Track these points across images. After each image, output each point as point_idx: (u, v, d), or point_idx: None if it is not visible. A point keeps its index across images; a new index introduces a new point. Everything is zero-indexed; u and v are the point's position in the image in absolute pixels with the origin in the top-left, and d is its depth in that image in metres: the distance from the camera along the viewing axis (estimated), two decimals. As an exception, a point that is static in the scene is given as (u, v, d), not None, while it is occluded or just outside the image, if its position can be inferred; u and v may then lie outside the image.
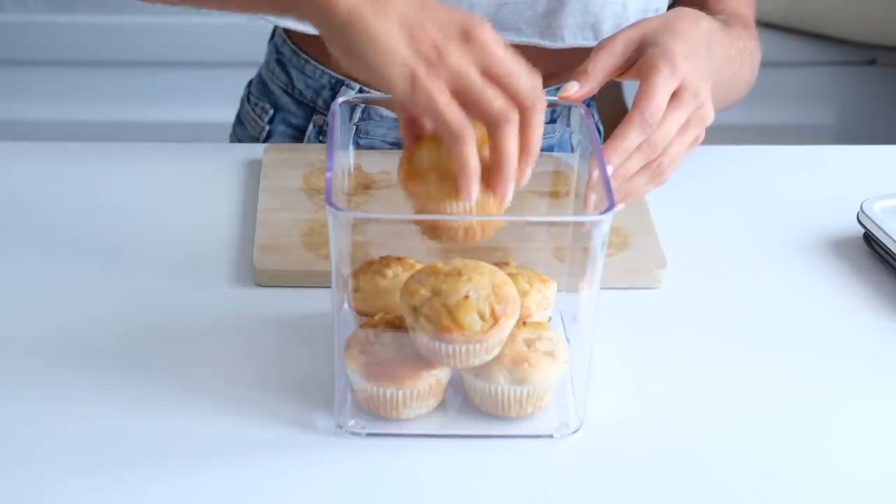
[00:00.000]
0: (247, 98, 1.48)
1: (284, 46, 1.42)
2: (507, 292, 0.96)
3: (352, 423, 0.99)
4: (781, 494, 0.96)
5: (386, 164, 1.11)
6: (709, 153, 1.36)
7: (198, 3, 1.09)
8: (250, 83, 1.49)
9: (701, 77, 1.07)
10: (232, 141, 1.51)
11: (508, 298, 0.96)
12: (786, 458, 0.99)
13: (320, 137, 1.40)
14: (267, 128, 1.43)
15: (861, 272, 1.19)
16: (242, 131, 1.47)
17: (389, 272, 1.02)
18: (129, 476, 0.95)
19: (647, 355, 1.08)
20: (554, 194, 1.11)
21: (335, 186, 0.97)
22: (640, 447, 0.99)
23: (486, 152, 0.94)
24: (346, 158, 1.08)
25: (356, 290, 1.02)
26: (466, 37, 0.93)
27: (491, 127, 0.92)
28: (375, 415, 0.99)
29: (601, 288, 0.98)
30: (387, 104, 1.09)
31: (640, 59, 1.07)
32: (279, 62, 1.42)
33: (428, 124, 0.98)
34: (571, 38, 1.31)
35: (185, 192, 1.26)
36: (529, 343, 0.99)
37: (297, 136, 1.42)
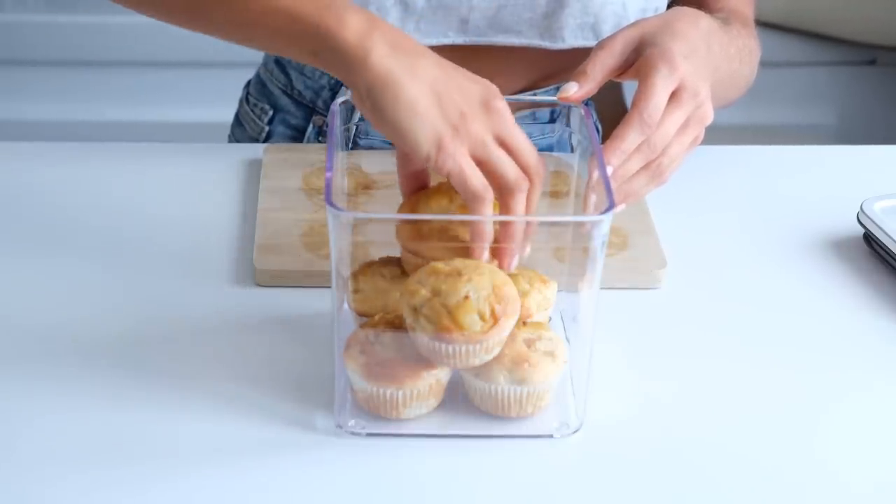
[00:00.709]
0: (245, 99, 1.48)
1: None
2: (507, 292, 0.96)
3: (352, 423, 0.99)
4: (781, 494, 0.96)
5: (386, 165, 1.11)
6: (709, 153, 1.36)
7: (224, 34, 1.11)
8: (248, 84, 1.49)
9: (700, 76, 1.07)
10: (231, 142, 1.51)
11: (508, 299, 0.96)
12: (786, 457, 0.99)
13: (320, 138, 1.40)
14: (266, 128, 1.43)
15: (861, 272, 1.19)
16: (241, 132, 1.47)
17: (387, 272, 1.03)
18: (128, 476, 0.95)
19: (647, 355, 1.08)
20: (554, 194, 1.11)
21: (335, 186, 0.97)
22: (640, 447, 0.99)
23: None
24: (346, 158, 1.08)
25: (356, 290, 1.02)
26: (487, 106, 0.98)
27: (505, 194, 0.97)
28: (375, 415, 0.99)
29: (601, 288, 0.98)
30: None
31: (639, 59, 1.07)
32: (278, 63, 1.42)
33: (429, 178, 1.03)
34: (572, 38, 1.31)
35: (185, 192, 1.26)
36: (529, 343, 0.99)
37: (297, 136, 1.42)
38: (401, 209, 1.02)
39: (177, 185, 1.27)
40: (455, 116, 0.96)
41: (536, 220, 0.98)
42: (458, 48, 1.31)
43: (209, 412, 1.00)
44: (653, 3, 1.33)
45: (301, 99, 1.40)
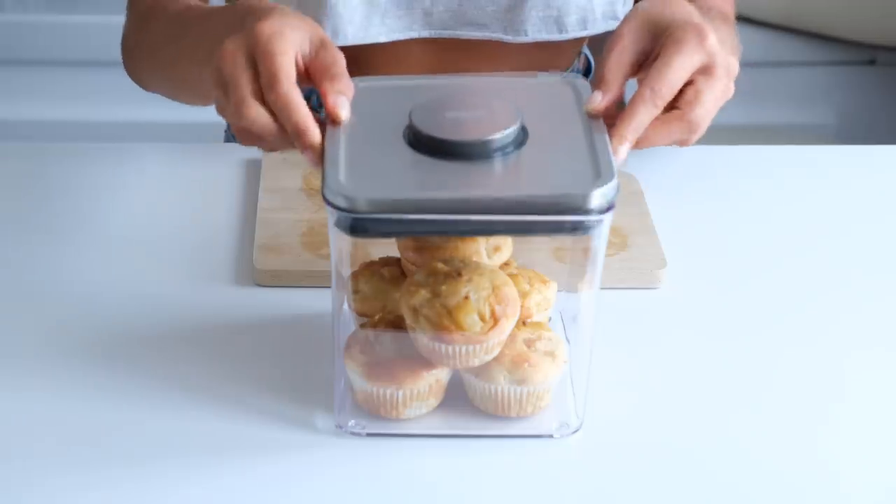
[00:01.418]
0: None
1: None
2: (507, 293, 0.96)
3: (352, 423, 0.99)
4: (781, 494, 0.96)
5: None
6: (709, 153, 1.36)
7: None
8: None
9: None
10: (226, 142, 1.51)
11: (508, 299, 0.96)
12: (786, 457, 0.99)
13: None
14: None
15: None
16: (236, 132, 1.47)
17: (387, 272, 1.03)
18: (128, 475, 0.95)
19: (647, 355, 1.08)
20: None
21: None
22: (640, 447, 0.99)
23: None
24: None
25: (356, 290, 1.02)
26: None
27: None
28: (375, 415, 0.99)
29: (601, 288, 0.98)
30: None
31: (664, 39, 1.00)
32: None
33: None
34: (534, 32, 1.31)
35: (185, 192, 1.26)
36: (529, 343, 0.99)
37: (292, 136, 1.42)
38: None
39: (177, 185, 1.27)
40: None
41: (535, 220, 0.96)
42: (424, 42, 1.31)
43: (209, 412, 1.00)
44: None
45: None
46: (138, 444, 0.98)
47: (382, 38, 1.30)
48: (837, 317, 1.14)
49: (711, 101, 0.99)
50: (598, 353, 1.00)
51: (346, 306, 1.02)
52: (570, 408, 1.01)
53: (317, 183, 1.24)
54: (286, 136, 0.95)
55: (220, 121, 1.55)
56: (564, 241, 1.03)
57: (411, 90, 1.01)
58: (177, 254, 1.18)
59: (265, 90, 0.94)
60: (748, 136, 2.45)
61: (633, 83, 1.03)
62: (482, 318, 0.95)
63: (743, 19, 2.66)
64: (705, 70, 0.99)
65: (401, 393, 0.98)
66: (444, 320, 0.94)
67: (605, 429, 1.00)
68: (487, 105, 0.98)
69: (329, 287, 0.97)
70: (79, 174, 1.29)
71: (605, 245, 0.95)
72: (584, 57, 1.47)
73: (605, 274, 0.98)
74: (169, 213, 1.23)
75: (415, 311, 0.95)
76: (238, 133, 0.97)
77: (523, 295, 1.00)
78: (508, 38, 1.31)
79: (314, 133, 0.94)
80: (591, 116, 0.98)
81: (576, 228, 0.91)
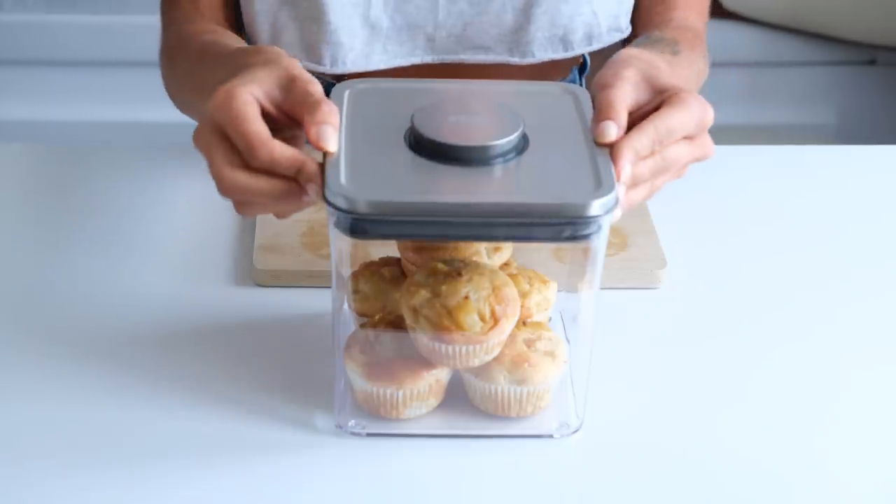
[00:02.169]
0: None
1: None
2: (507, 293, 0.96)
3: (352, 423, 0.99)
4: (781, 494, 0.96)
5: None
6: (709, 153, 1.35)
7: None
8: None
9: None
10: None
11: (508, 299, 0.96)
12: (786, 457, 0.99)
13: None
14: None
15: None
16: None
17: (387, 272, 1.03)
18: (127, 475, 0.95)
19: (647, 355, 1.08)
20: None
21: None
22: (640, 447, 0.99)
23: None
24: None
25: (356, 291, 1.02)
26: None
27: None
28: (375, 415, 0.99)
29: (601, 288, 0.98)
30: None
31: (667, 96, 0.99)
32: None
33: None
34: (541, 52, 1.30)
35: (185, 192, 1.27)
36: (529, 343, 0.99)
37: (291, 138, 1.42)
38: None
39: (177, 185, 1.27)
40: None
41: (535, 220, 0.96)
42: (428, 67, 1.30)
43: (209, 412, 1.00)
44: (624, 7, 1.31)
45: None
46: (138, 444, 0.98)
47: (383, 66, 1.29)
48: (838, 316, 1.14)
49: (684, 158, 0.98)
50: (598, 353, 1.00)
51: (346, 306, 1.02)
52: (570, 408, 1.01)
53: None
54: (276, 190, 0.93)
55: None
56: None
57: (414, 93, 1.01)
58: (177, 254, 1.18)
59: (249, 160, 0.92)
60: (748, 136, 2.45)
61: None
62: (482, 318, 0.95)
63: (743, 19, 2.66)
64: (690, 137, 0.98)
65: (401, 393, 0.98)
66: (444, 320, 0.94)
67: (605, 429, 1.00)
68: (489, 111, 0.98)
69: (329, 287, 0.97)
70: (78, 175, 1.29)
71: (605, 246, 0.95)
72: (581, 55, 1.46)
73: (605, 274, 0.98)
74: (169, 214, 1.23)
75: (415, 311, 0.95)
76: (235, 207, 0.96)
77: (523, 295, 1.00)
78: (515, 59, 1.30)
79: (311, 166, 0.92)
80: (600, 145, 0.95)
81: (575, 236, 0.91)
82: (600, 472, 0.98)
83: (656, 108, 0.97)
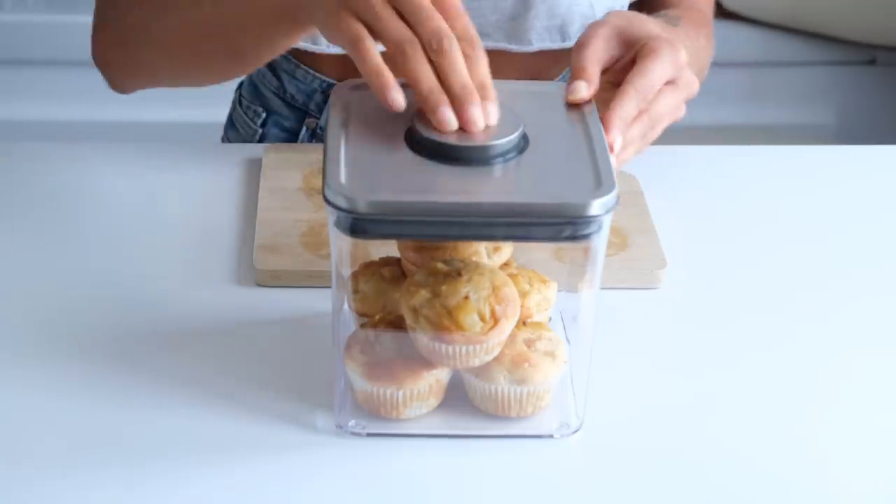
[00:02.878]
0: (238, 101, 1.47)
1: None
2: (507, 293, 0.96)
3: (352, 423, 0.99)
4: (781, 494, 0.96)
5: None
6: (709, 153, 1.36)
7: (223, 64, 1.19)
8: (240, 86, 1.48)
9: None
10: (225, 142, 1.51)
11: (509, 299, 0.96)
12: (786, 457, 0.99)
13: (314, 140, 1.40)
14: (259, 131, 1.43)
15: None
16: (235, 134, 1.47)
17: (387, 272, 1.03)
18: (127, 475, 0.95)
19: (647, 355, 1.08)
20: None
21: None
22: (640, 447, 0.99)
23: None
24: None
25: (356, 291, 1.02)
26: None
27: (398, 56, 0.97)
28: (375, 415, 0.99)
29: (601, 288, 0.98)
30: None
31: (639, 48, 1.05)
32: (269, 66, 1.41)
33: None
34: (538, 41, 1.31)
35: (184, 192, 1.26)
36: (529, 343, 0.99)
37: (290, 139, 1.42)
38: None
39: (177, 185, 1.27)
40: None
41: (535, 220, 0.97)
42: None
43: (209, 412, 1.00)
44: (620, 0, 1.33)
45: (293, 102, 1.40)
46: (138, 443, 0.98)
47: (381, 48, 1.29)
48: (838, 316, 1.14)
49: (671, 106, 1.05)
50: (598, 353, 1.00)
51: (346, 306, 1.02)
52: (570, 408, 1.01)
53: (317, 183, 1.25)
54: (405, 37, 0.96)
55: (220, 120, 1.55)
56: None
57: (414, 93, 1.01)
58: (177, 254, 1.18)
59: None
60: (748, 136, 2.46)
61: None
62: (482, 318, 0.95)
63: (743, 19, 2.66)
64: (671, 81, 1.05)
65: (401, 393, 0.98)
66: (444, 320, 0.94)
67: (605, 429, 1.00)
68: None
69: (329, 287, 0.97)
70: (79, 174, 1.29)
71: (605, 245, 0.95)
72: None
73: (605, 274, 0.98)
74: (169, 213, 1.23)
75: (415, 311, 0.95)
76: (377, 72, 0.97)
77: (523, 295, 1.00)
78: (513, 47, 1.31)
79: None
80: (573, 104, 1.01)
81: (575, 236, 0.91)
82: (600, 472, 0.98)
83: (633, 61, 1.03)
